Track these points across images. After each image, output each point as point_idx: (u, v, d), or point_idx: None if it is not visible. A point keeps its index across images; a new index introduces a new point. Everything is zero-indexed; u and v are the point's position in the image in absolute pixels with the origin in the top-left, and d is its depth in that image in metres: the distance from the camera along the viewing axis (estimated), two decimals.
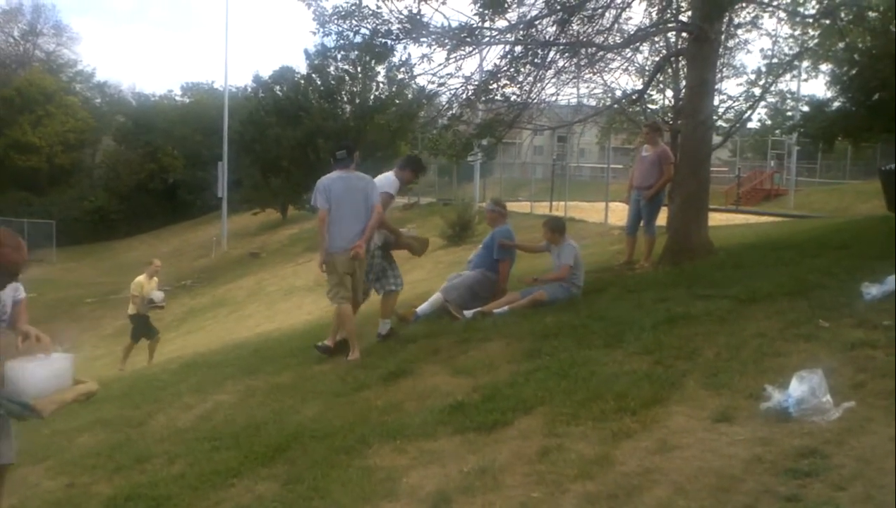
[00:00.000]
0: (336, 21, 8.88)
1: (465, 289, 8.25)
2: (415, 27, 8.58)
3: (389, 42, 8.92)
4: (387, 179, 7.63)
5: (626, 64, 12.85)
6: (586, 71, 11.37)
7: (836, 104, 11.87)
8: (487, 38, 8.96)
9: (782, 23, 13.47)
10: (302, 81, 36.09)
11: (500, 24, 8.92)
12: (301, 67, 38.56)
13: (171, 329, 18.43)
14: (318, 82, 34.84)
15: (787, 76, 16.83)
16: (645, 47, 13.40)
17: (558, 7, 9.07)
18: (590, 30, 9.70)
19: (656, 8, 11.40)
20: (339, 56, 32.43)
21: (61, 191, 53.81)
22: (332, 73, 34.62)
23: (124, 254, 44.74)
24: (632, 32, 10.77)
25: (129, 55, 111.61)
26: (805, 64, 15.99)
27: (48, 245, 43.56)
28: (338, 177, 7.13)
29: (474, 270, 8.39)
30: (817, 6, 10.91)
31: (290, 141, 32.77)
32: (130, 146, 56.35)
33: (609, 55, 11.16)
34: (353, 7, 8.65)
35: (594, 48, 9.82)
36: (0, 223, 39.61)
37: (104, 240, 49.04)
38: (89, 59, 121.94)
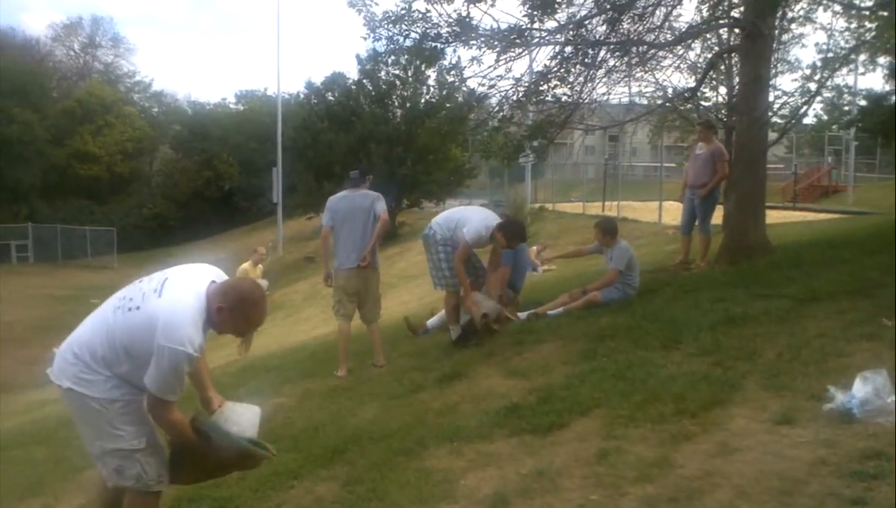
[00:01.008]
0: (386, 26, 8.97)
1: None
2: (464, 30, 8.60)
3: (439, 45, 8.96)
4: (479, 226, 7.04)
5: (677, 61, 12.69)
6: (637, 69, 11.26)
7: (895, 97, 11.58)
8: (537, 39, 8.93)
9: (837, 16, 13.23)
10: (353, 87, 36.29)
11: (550, 24, 8.89)
12: (352, 73, 38.83)
13: None
14: (370, 87, 34.95)
15: (844, 70, 16.50)
16: (697, 44, 13.25)
17: (608, 6, 9.01)
18: (640, 28, 9.60)
19: (707, 4, 11.25)
20: (389, 60, 32.77)
21: (121, 199, 55.10)
22: (383, 77, 34.76)
23: (182, 259, 44.88)
24: (683, 30, 10.63)
25: (184, 65, 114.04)
26: (862, 57, 15.64)
27: (109, 252, 44.72)
28: (343, 196, 7.34)
29: None
30: None
31: (342, 146, 32.95)
32: (187, 154, 57.43)
33: (660, 53, 11.03)
34: (403, 11, 8.72)
35: (645, 46, 9.73)
36: (64, 231, 40.31)
37: (163, 247, 49.98)
38: (146, 69, 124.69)
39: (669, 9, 10.01)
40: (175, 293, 3.27)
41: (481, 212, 7.47)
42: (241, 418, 3.62)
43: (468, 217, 7.23)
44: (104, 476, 3.57)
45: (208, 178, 55.43)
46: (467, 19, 8.55)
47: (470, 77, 9.76)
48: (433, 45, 8.91)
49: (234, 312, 3.32)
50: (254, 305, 3.37)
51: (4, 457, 7.18)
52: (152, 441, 3.45)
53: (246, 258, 13.66)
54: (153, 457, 3.46)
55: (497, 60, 9.05)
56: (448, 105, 21.66)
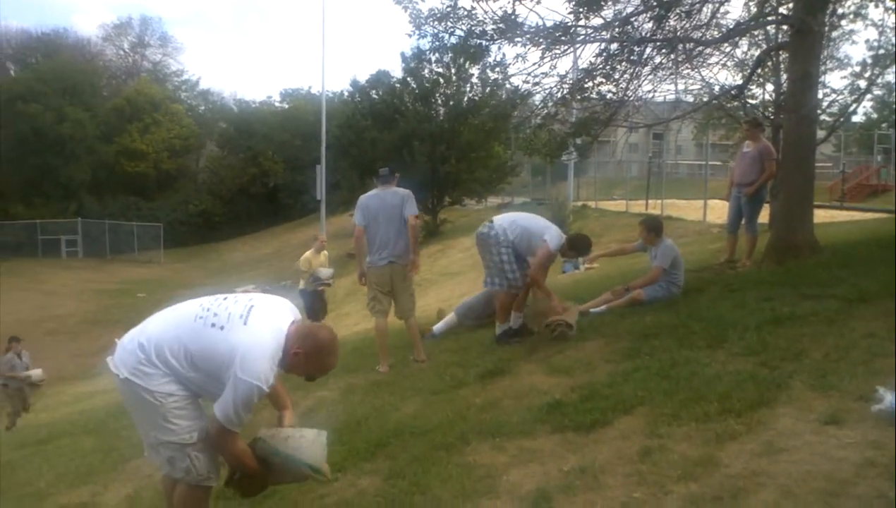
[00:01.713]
0: (431, 23, 8.99)
1: (481, 306, 8.41)
2: (509, 27, 8.59)
3: (484, 42, 8.96)
4: (557, 236, 7.08)
5: (724, 59, 12.54)
6: (684, 67, 11.15)
7: None
8: (582, 37, 8.88)
9: (889, 12, 12.95)
10: (397, 85, 36.45)
11: (596, 21, 8.84)
12: (397, 71, 39.04)
13: None
14: (414, 85, 35.06)
15: (895, 67, 16.16)
16: (744, 41, 13.07)
17: (654, 3, 8.93)
18: (687, 25, 9.50)
19: (756, 0, 11.09)
20: (433, 59, 32.84)
21: (168, 195, 55.80)
22: (427, 75, 34.83)
23: (228, 255, 46.17)
24: (731, 26, 10.50)
25: (231, 64, 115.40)
26: None
27: (156, 247, 45.56)
28: (374, 194, 7.37)
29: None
30: None
31: (385, 144, 33.09)
32: (233, 151, 58.10)
33: (707, 50, 10.91)
34: (449, 9, 8.73)
35: (692, 43, 9.62)
36: (112, 226, 41.02)
37: (208, 242, 50.76)
38: (193, 68, 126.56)
39: (717, 5, 9.89)
40: (260, 325, 3.36)
41: (548, 221, 7.37)
42: (312, 445, 3.65)
43: (546, 224, 7.17)
44: (157, 464, 3.64)
45: (253, 175, 56.01)
46: (513, 16, 8.54)
47: (514, 74, 9.76)
48: (478, 42, 8.92)
49: (309, 358, 3.42)
50: (329, 354, 3.47)
51: (54, 446, 7.38)
52: (204, 437, 3.49)
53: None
54: (204, 453, 3.50)
55: (542, 57, 9.03)
56: (492, 102, 21.63)
